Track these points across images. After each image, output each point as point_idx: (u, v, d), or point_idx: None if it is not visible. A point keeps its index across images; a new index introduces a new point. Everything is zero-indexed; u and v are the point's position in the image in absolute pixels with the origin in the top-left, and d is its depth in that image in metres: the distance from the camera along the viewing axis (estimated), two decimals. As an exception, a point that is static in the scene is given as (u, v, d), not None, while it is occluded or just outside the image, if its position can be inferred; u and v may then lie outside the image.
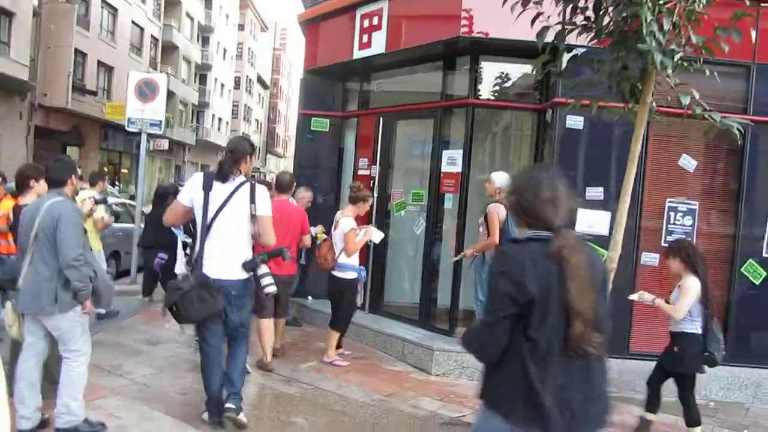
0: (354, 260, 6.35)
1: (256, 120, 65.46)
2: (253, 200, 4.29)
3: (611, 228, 5.22)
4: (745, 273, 6.64)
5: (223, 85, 50.88)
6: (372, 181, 8.18)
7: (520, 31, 6.61)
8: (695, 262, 4.80)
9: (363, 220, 8.22)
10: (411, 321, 7.58)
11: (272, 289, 4.43)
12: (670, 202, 6.72)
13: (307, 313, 8.44)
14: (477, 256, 6.44)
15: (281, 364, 6.33)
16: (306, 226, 6.57)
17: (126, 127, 10.73)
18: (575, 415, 2.18)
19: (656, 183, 6.72)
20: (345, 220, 6.30)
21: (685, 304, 4.73)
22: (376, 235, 6.59)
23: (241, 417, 4.45)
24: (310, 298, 8.62)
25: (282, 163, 78.06)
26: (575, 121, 6.56)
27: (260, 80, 64.60)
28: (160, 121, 10.65)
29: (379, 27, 7.62)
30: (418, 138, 8.24)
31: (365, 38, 7.83)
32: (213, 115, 48.44)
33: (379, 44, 7.65)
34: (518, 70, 7.43)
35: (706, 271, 4.89)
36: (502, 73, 7.41)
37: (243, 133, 56.78)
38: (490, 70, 7.35)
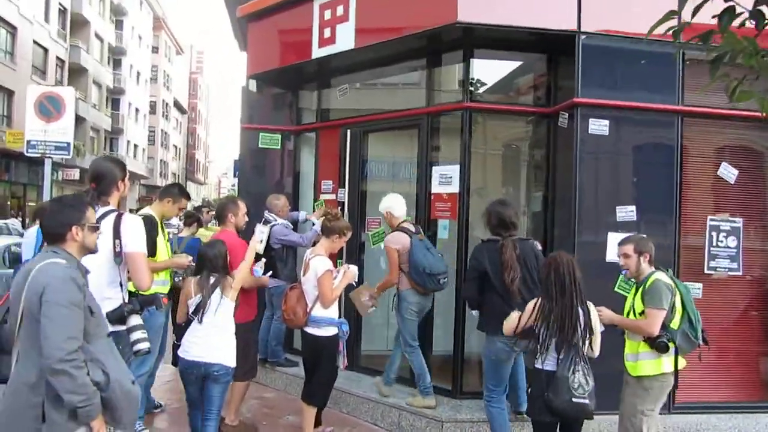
0: (332, 311, 4.82)
1: (175, 146, 62.34)
2: (117, 235, 3.49)
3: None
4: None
5: (137, 110, 47.88)
6: (340, 207, 6.69)
7: (524, 16, 5.59)
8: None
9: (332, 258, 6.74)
10: (403, 380, 6.07)
11: (143, 346, 3.44)
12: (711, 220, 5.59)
13: (267, 374, 6.75)
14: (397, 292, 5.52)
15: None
16: (234, 260, 4.77)
17: (25, 152, 8.78)
18: None
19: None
20: (317, 260, 4.76)
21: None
22: (355, 275, 5.03)
23: None
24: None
25: (203, 190, 74.98)
26: (599, 126, 5.35)
27: (177, 105, 61.68)
28: (68, 144, 8.75)
29: (345, 18, 6.17)
30: (397, 153, 6.82)
31: (327, 33, 6.36)
32: (128, 142, 45.32)
33: (345, 39, 6.19)
34: (519, 66, 6.18)
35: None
36: (502, 69, 6.13)
37: (153, 159, 53.98)
38: (487, 67, 6.04)
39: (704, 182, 5.64)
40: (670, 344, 4.02)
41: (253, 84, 7.64)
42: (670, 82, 5.44)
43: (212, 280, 4.36)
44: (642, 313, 4.12)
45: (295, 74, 7.21)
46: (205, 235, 7.84)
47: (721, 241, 5.59)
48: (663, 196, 5.46)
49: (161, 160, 55.36)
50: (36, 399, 2.49)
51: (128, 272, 3.63)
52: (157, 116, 53.50)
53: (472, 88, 5.79)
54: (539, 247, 4.88)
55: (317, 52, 6.51)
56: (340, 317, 4.96)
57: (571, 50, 5.35)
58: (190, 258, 4.91)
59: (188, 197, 5.63)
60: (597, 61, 5.35)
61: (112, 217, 3.54)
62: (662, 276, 4.13)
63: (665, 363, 4.08)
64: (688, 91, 5.49)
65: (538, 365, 3.89)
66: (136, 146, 47.61)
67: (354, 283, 5.14)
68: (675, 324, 4.07)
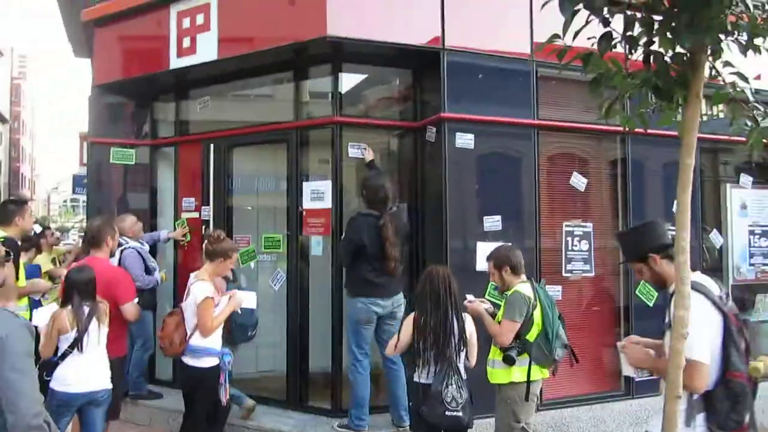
0: (213, 341, 4.50)
1: (-5, 159, 56.31)
2: None
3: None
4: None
5: (-52, 120, 42.80)
6: (204, 226, 6.37)
7: (392, 32, 5.66)
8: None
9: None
10: (277, 402, 5.88)
11: None
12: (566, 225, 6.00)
13: (127, 408, 6.21)
14: None
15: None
16: (122, 293, 4.56)
17: None
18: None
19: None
20: (198, 285, 4.45)
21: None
22: (249, 300, 4.78)
23: None
24: None
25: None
26: (465, 140, 5.55)
27: (-3, 114, 55.80)
28: None
29: (206, 27, 5.87)
30: (263, 167, 6.61)
31: (186, 42, 6.02)
32: (-63, 155, 40.36)
33: (207, 50, 5.88)
34: (387, 81, 6.25)
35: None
36: (371, 84, 6.17)
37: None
38: (356, 81, 6.05)
39: (559, 190, 6.03)
40: (521, 357, 4.05)
41: (99, 94, 7.05)
42: (526, 98, 5.77)
43: (86, 309, 4.02)
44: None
45: (149, 85, 6.75)
46: (43, 262, 7.09)
47: (576, 245, 6.02)
48: (525, 205, 5.77)
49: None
50: None
51: None
52: (-28, 126, 48.08)
53: (341, 102, 5.76)
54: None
55: (175, 62, 6.14)
56: (223, 346, 4.62)
57: (435, 66, 5.50)
58: (51, 284, 4.53)
59: (27, 201, 5.09)
60: (460, 77, 5.55)
61: None
62: (524, 288, 4.16)
63: (515, 372, 4.11)
64: (543, 106, 5.87)
65: (416, 378, 3.96)
66: (-53, 160, 42.44)
67: (239, 311, 4.78)
68: (531, 336, 4.08)
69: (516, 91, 5.75)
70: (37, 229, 8.11)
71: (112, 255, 4.91)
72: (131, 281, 4.90)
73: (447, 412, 3.73)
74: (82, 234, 4.94)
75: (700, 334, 2.60)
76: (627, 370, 3.12)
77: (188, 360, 4.46)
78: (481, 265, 5.34)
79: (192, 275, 4.66)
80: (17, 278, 4.43)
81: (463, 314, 4.03)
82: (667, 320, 2.85)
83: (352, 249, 5.10)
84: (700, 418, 2.67)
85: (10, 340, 2.20)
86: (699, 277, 2.85)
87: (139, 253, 5.90)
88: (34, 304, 5.47)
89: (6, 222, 4.68)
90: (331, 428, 5.30)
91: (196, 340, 4.42)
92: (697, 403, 2.67)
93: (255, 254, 6.17)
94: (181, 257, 6.71)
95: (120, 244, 5.67)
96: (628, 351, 3.05)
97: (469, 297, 4.31)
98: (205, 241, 4.71)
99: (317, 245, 5.83)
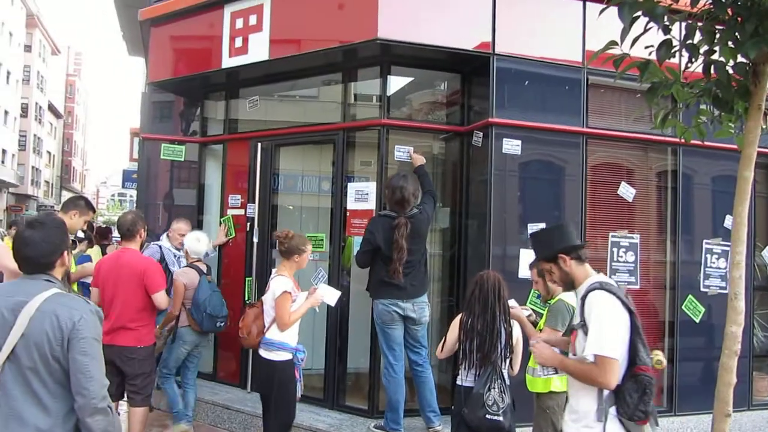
0: (289, 336, 4.52)
1: (48, 152, 58.16)
2: None
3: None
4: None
5: (7, 113, 44.30)
6: (249, 223, 6.47)
7: (442, 35, 5.66)
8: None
9: (239, 275, 6.51)
10: (314, 401, 5.93)
11: None
12: (612, 236, 5.90)
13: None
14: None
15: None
16: (154, 282, 4.77)
17: None
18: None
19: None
20: (278, 280, 4.50)
21: None
22: (330, 296, 4.77)
23: None
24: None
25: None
26: (512, 146, 5.51)
27: (52, 108, 57.64)
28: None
29: (258, 28, 5.97)
30: (310, 168, 6.69)
31: (239, 42, 6.14)
32: (-5, 147, 41.88)
33: (259, 50, 5.99)
34: (435, 85, 6.25)
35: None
36: (419, 87, 6.18)
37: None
38: (404, 84, 6.08)
39: (606, 200, 5.94)
40: None
41: (152, 92, 7.24)
42: (576, 105, 5.70)
43: None
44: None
45: (201, 83, 6.90)
46: (94, 254, 7.39)
47: (621, 256, 5.92)
48: (570, 214, 5.70)
49: (33, 167, 51.45)
50: None
51: None
52: (29, 120, 49.64)
53: (388, 105, 5.79)
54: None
55: (227, 62, 6.26)
56: (299, 343, 4.64)
57: (484, 71, 5.49)
58: None
59: (94, 211, 5.26)
60: (510, 83, 5.52)
61: None
62: (568, 297, 4.10)
63: (555, 381, 4.10)
64: (592, 114, 5.79)
65: (459, 381, 3.96)
66: (5, 151, 43.98)
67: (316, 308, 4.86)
68: None
69: (565, 98, 5.69)
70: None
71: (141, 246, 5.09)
72: (162, 271, 5.05)
73: (488, 416, 3.73)
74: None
75: (612, 332, 2.70)
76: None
77: (263, 352, 4.50)
78: (524, 272, 5.32)
79: (273, 271, 4.78)
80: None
81: (511, 321, 4.00)
82: (577, 321, 2.92)
83: (368, 250, 5.10)
84: (611, 411, 2.74)
85: (82, 325, 2.33)
86: (603, 278, 2.95)
87: (161, 251, 6.10)
88: (85, 292, 5.73)
89: (65, 210, 4.84)
90: (367, 429, 5.31)
91: (272, 334, 4.48)
92: (608, 399, 2.74)
93: (298, 253, 6.22)
94: (225, 254, 6.82)
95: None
96: (536, 349, 3.14)
97: (511, 302, 4.28)
98: (278, 242, 4.70)
99: (359, 246, 5.85)
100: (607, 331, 2.69)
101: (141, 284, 4.73)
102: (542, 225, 5.51)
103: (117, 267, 4.82)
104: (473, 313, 3.93)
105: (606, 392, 2.75)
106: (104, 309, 4.88)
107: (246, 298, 6.36)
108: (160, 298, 4.79)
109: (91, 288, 5.06)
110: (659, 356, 2.86)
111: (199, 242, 5.71)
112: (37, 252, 2.42)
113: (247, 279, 6.41)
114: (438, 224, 6.30)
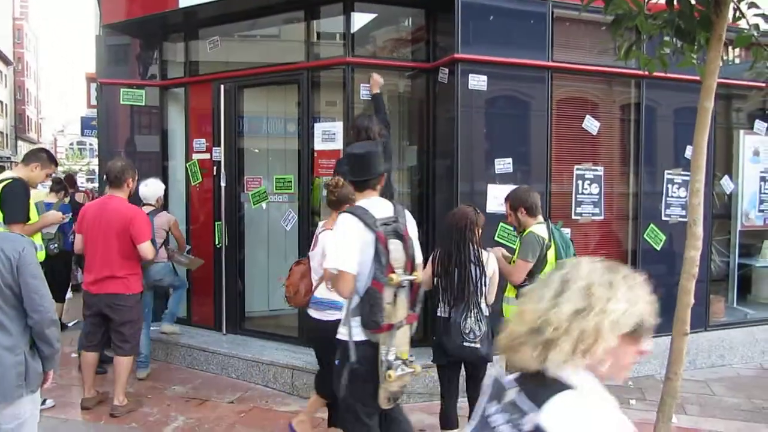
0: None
1: (0, 101, 56.01)
2: None
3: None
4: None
5: (-49, 60, 42.33)
6: (216, 167, 6.40)
7: None
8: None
9: (208, 219, 6.48)
10: (289, 339, 6.05)
11: None
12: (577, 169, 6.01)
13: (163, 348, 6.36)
14: None
15: None
16: (141, 231, 4.78)
17: None
18: None
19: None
20: (328, 235, 4.07)
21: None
22: None
23: None
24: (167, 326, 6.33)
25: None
26: (478, 81, 5.50)
27: (0, 55, 55.14)
28: None
29: (215, -36, 5.77)
30: (275, 110, 6.59)
31: (196, -21, 5.92)
32: (-59, 97, 40.07)
33: (217, -13, 5.80)
34: (399, 21, 6.15)
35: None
36: (382, 24, 6.07)
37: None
38: (367, 21, 5.96)
39: (571, 134, 6.00)
40: None
41: (107, 34, 6.98)
42: (541, 39, 5.69)
43: None
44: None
45: (158, 24, 6.65)
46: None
47: (586, 189, 6.04)
48: (536, 148, 5.77)
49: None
50: (17, 358, 2.77)
51: None
52: (-24, 67, 47.58)
53: (353, 43, 5.69)
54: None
55: (184, 1, 6.05)
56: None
57: (449, 6, 5.41)
58: (62, 214, 4.96)
59: (56, 163, 5.14)
60: (475, 18, 5.45)
61: None
62: (538, 229, 4.24)
63: None
64: (557, 48, 5.79)
65: (438, 313, 4.05)
66: (-49, 101, 42.21)
67: None
68: (543, 275, 4.24)
69: (531, 32, 5.67)
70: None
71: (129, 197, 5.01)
72: (148, 221, 5.01)
73: (465, 343, 3.85)
74: (105, 174, 5.07)
75: (346, 248, 3.08)
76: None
77: (312, 312, 4.15)
78: (492, 206, 5.41)
79: (320, 224, 4.40)
80: (28, 219, 4.53)
81: (486, 252, 4.08)
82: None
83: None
84: (355, 321, 3.15)
85: (26, 254, 2.77)
86: (365, 203, 3.23)
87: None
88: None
89: (26, 163, 4.74)
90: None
91: (321, 292, 4.11)
92: (353, 310, 3.15)
93: (266, 195, 6.22)
94: (193, 199, 6.76)
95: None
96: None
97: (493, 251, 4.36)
98: (326, 192, 4.31)
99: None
100: (341, 248, 3.09)
101: (127, 233, 4.71)
102: (509, 160, 5.61)
103: (102, 214, 4.77)
104: (445, 249, 4.01)
105: (353, 303, 3.16)
106: (87, 256, 4.86)
107: (216, 243, 6.35)
108: (146, 248, 4.78)
109: (75, 233, 5.00)
110: (393, 276, 3.10)
111: (147, 187, 5.78)
112: None
113: (216, 223, 6.38)
114: (405, 162, 6.33)
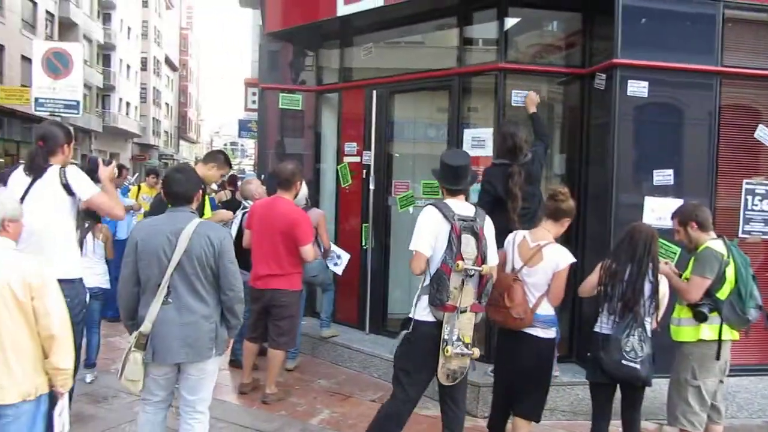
0: (552, 309, 3.94)
1: (166, 104, 61.44)
2: (70, 191, 3.64)
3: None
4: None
5: (129, 67, 46.95)
6: (365, 171, 6.59)
7: None
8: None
9: (356, 221, 6.70)
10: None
11: None
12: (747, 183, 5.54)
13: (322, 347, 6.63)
14: None
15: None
16: (304, 234, 5.01)
17: (33, 110, 8.58)
18: None
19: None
20: (556, 249, 3.82)
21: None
22: None
23: None
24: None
25: (196, 149, 74.29)
26: (638, 87, 5.23)
27: (168, 61, 60.51)
28: (78, 102, 8.55)
29: (373, -27, 5.96)
30: (422, 114, 6.69)
31: (354, -11, 6.15)
32: (120, 99, 44.50)
33: (373, -4, 5.98)
34: (553, 26, 6.02)
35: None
36: (535, 29, 5.97)
37: (144, 117, 53.29)
38: (521, 26, 5.88)
39: (740, 144, 5.55)
40: (712, 314, 3.92)
41: (269, 42, 7.43)
42: (710, 43, 5.31)
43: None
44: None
45: (316, 32, 7.00)
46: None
47: (756, 205, 5.56)
48: (700, 159, 5.39)
49: (154, 118, 54.59)
50: (211, 325, 3.38)
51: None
52: (148, 73, 52.46)
53: (506, 48, 5.63)
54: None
55: (342, 10, 6.30)
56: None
57: (608, 8, 5.20)
58: (231, 213, 5.50)
59: (230, 165, 5.57)
60: (635, 21, 5.20)
61: (52, 173, 3.64)
62: (715, 244, 3.99)
63: (704, 331, 3.96)
64: (728, 52, 5.38)
65: (596, 329, 3.91)
66: (128, 104, 46.84)
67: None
68: (722, 294, 3.94)
69: (698, 35, 5.31)
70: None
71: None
72: (311, 225, 5.28)
73: (624, 361, 3.66)
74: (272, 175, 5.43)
75: (424, 233, 3.56)
76: None
77: (538, 332, 3.79)
78: (648, 219, 5.12)
79: (529, 236, 3.92)
80: (203, 212, 4.91)
81: (659, 276, 3.88)
82: None
83: (489, 200, 4.90)
84: (423, 300, 3.59)
85: (226, 242, 3.39)
86: (450, 201, 3.67)
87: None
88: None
89: (205, 162, 5.24)
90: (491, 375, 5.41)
91: (545, 309, 3.81)
92: (423, 288, 3.60)
93: (413, 200, 6.32)
94: (342, 202, 7.01)
95: (243, 207, 6.02)
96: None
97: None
98: (549, 199, 4.02)
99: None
100: (419, 233, 3.57)
101: (292, 234, 4.96)
102: (669, 172, 5.29)
103: (270, 214, 5.05)
104: (619, 260, 3.85)
105: (425, 283, 3.59)
106: (254, 253, 5.18)
107: (362, 244, 6.55)
108: (308, 251, 5.03)
109: (245, 229, 5.35)
110: (460, 263, 3.45)
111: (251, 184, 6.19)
112: (182, 188, 3.43)
113: (364, 225, 6.58)
114: (553, 171, 6.16)
